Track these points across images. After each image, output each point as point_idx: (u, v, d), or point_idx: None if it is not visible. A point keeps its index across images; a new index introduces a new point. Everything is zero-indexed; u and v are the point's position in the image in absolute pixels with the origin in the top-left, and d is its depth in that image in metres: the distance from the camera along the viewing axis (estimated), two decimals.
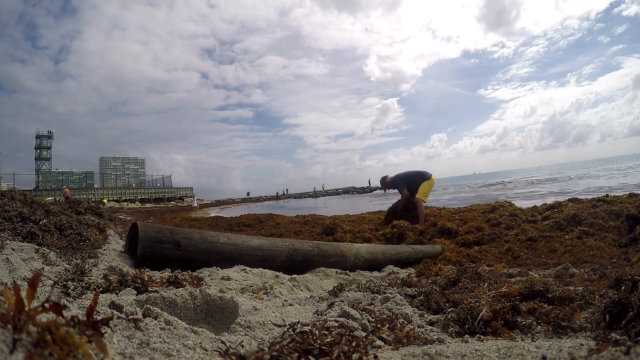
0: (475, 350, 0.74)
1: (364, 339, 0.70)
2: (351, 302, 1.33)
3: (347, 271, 2.56)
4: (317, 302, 1.48)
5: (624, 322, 0.85)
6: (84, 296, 1.15)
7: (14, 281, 1.16)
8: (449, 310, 1.23)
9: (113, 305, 0.96)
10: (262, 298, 1.49)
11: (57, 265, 1.50)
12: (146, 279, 1.35)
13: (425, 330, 1.12)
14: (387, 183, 6.10)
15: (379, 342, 0.92)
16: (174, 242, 2.02)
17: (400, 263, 3.10)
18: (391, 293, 1.48)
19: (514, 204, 5.62)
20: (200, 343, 0.78)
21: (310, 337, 0.61)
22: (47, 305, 0.45)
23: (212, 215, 15.96)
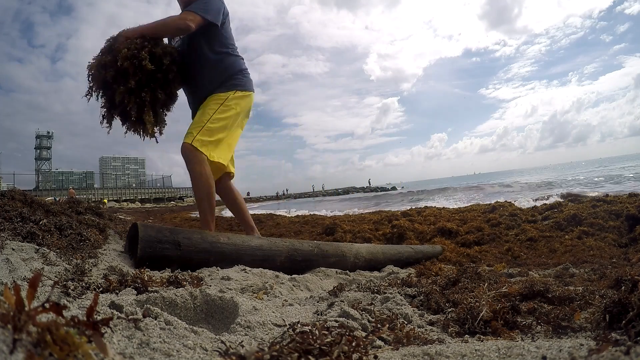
0: (475, 350, 0.74)
1: (364, 339, 0.70)
2: (351, 302, 1.33)
3: (347, 271, 2.56)
4: (317, 302, 1.48)
5: (624, 322, 0.85)
6: (84, 296, 1.15)
7: (14, 281, 1.16)
8: (449, 310, 1.23)
9: (113, 305, 0.96)
10: (262, 298, 1.49)
11: (57, 265, 1.50)
12: (146, 279, 1.35)
13: (425, 330, 1.12)
14: None
15: (379, 342, 0.92)
16: (174, 242, 2.02)
17: (400, 263, 3.10)
18: (391, 293, 1.48)
19: (513, 204, 5.64)
20: (200, 343, 0.78)
21: (310, 337, 0.61)
22: (47, 305, 0.45)
23: None
